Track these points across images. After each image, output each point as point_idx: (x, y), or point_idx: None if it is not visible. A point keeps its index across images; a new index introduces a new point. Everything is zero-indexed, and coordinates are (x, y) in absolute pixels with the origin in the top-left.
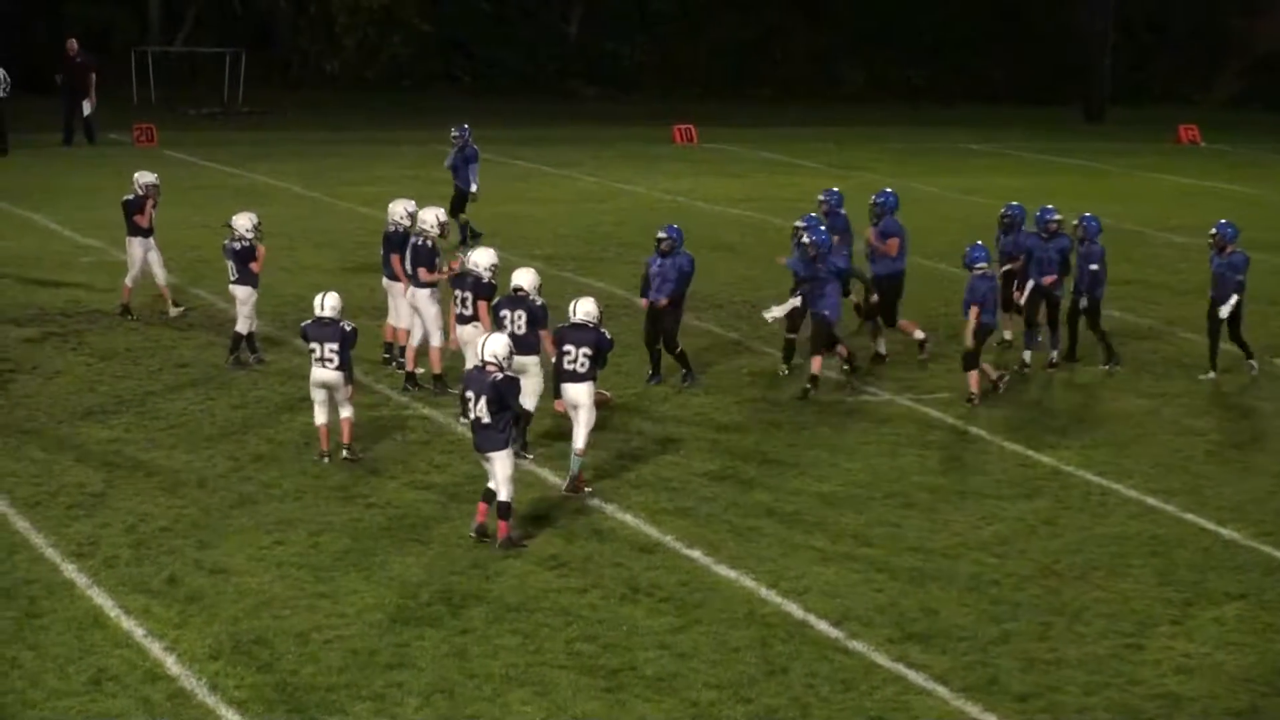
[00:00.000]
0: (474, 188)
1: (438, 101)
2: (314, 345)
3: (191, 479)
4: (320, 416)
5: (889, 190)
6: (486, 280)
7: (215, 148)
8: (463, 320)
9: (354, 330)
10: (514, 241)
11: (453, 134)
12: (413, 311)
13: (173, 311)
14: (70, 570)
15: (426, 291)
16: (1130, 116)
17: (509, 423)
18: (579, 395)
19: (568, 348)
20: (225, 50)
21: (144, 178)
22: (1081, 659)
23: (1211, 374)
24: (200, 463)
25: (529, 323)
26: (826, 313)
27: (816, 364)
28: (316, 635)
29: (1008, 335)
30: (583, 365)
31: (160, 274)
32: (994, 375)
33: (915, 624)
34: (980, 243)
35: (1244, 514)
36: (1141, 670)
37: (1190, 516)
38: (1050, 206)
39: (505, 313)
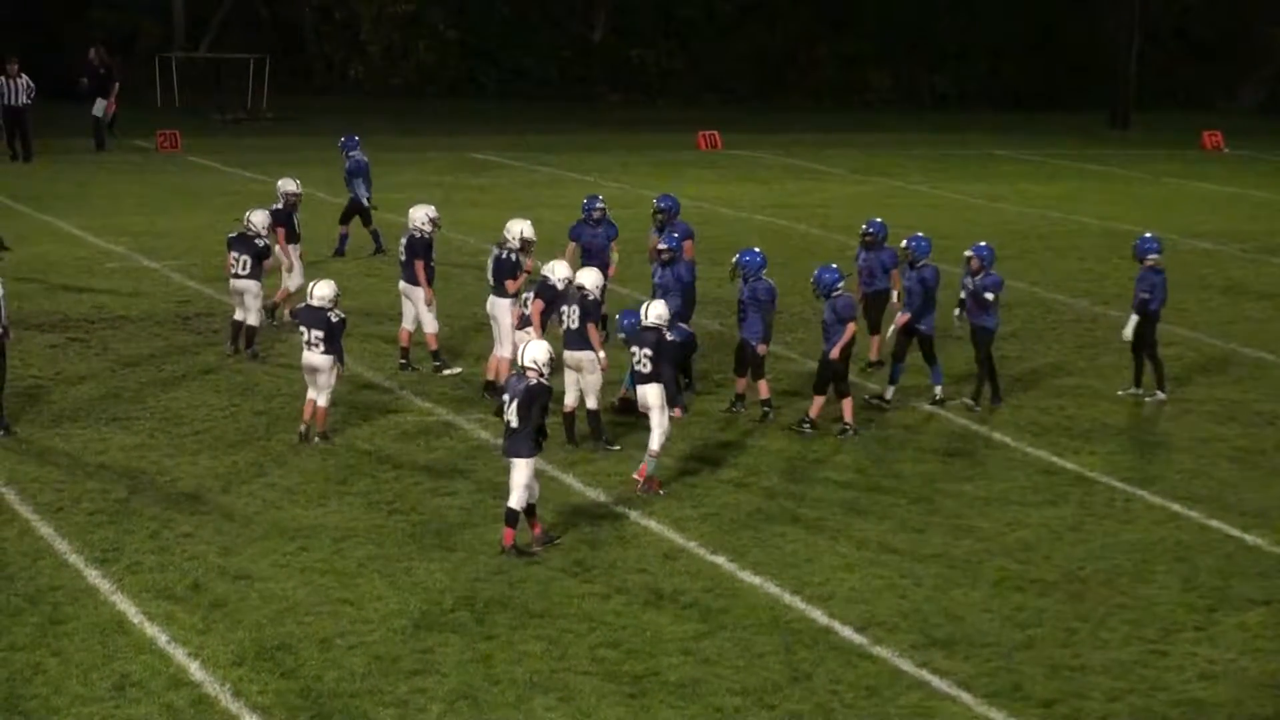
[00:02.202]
0: (366, 200)
1: (463, 107)
2: (303, 329)
3: (215, 485)
4: (312, 394)
5: (670, 195)
6: (550, 284)
7: (239, 153)
8: (524, 322)
9: (340, 321)
10: (540, 249)
11: (341, 143)
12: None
13: (287, 317)
14: (93, 576)
15: (507, 302)
16: (1155, 123)
17: (535, 431)
18: (646, 396)
19: (633, 349)
20: (250, 56)
21: (287, 185)
22: (1106, 665)
23: (1135, 390)
24: (224, 468)
25: (581, 317)
26: (750, 339)
27: (762, 389)
28: (340, 641)
29: (872, 357)
30: (645, 366)
31: (295, 278)
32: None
33: (939, 630)
34: (834, 265)
35: (1268, 520)
36: (1166, 676)
37: (1214, 523)
38: (919, 234)
39: (564, 308)
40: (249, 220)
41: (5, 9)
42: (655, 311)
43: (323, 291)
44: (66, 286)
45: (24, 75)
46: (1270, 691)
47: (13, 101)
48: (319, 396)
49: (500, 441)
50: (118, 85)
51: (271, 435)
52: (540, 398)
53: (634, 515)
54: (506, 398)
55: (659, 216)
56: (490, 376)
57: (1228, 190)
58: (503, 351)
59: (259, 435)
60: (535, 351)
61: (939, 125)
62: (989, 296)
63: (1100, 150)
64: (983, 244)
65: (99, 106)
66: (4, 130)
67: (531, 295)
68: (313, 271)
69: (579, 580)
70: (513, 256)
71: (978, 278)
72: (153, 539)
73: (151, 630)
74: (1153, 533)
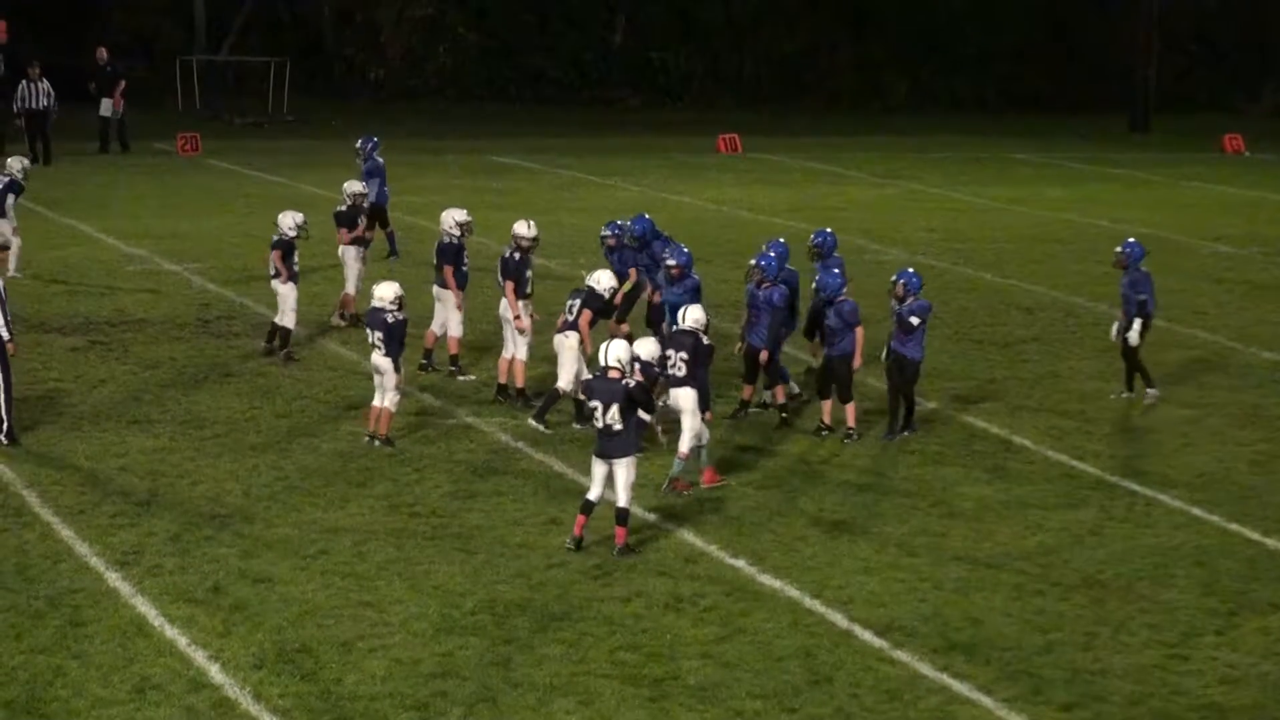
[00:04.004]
0: (369, 199)
1: (483, 110)
2: (368, 330)
3: (236, 488)
4: (376, 399)
5: (644, 216)
6: (599, 293)
7: (259, 156)
8: (565, 326)
9: (396, 322)
10: (559, 250)
11: (358, 145)
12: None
13: (335, 319)
14: (114, 579)
15: (520, 304)
16: (1175, 126)
17: (637, 429)
18: (679, 399)
19: (669, 352)
20: (270, 59)
21: (352, 187)
22: (1126, 669)
23: (1127, 394)
24: (245, 471)
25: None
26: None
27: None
28: (360, 644)
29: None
30: (680, 369)
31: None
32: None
33: (959, 634)
34: (837, 270)
35: None
36: (1186, 680)
37: (1235, 527)
38: (772, 254)
39: (571, 303)
40: (278, 222)
41: (26, 13)
42: (693, 316)
43: (381, 292)
44: (87, 289)
45: (45, 79)
46: None
47: (34, 105)
48: (385, 399)
49: (597, 443)
50: (124, 84)
51: (292, 438)
52: (645, 397)
53: (654, 519)
54: (599, 403)
55: (633, 241)
56: (503, 379)
57: (1248, 194)
58: (519, 354)
59: (280, 438)
60: (618, 350)
61: (958, 128)
62: (914, 321)
63: (1120, 154)
64: (910, 270)
65: (105, 106)
66: (25, 133)
67: (577, 302)
68: (331, 274)
69: (599, 583)
70: (516, 256)
71: (904, 304)
72: (173, 542)
73: (172, 633)
74: (1173, 537)
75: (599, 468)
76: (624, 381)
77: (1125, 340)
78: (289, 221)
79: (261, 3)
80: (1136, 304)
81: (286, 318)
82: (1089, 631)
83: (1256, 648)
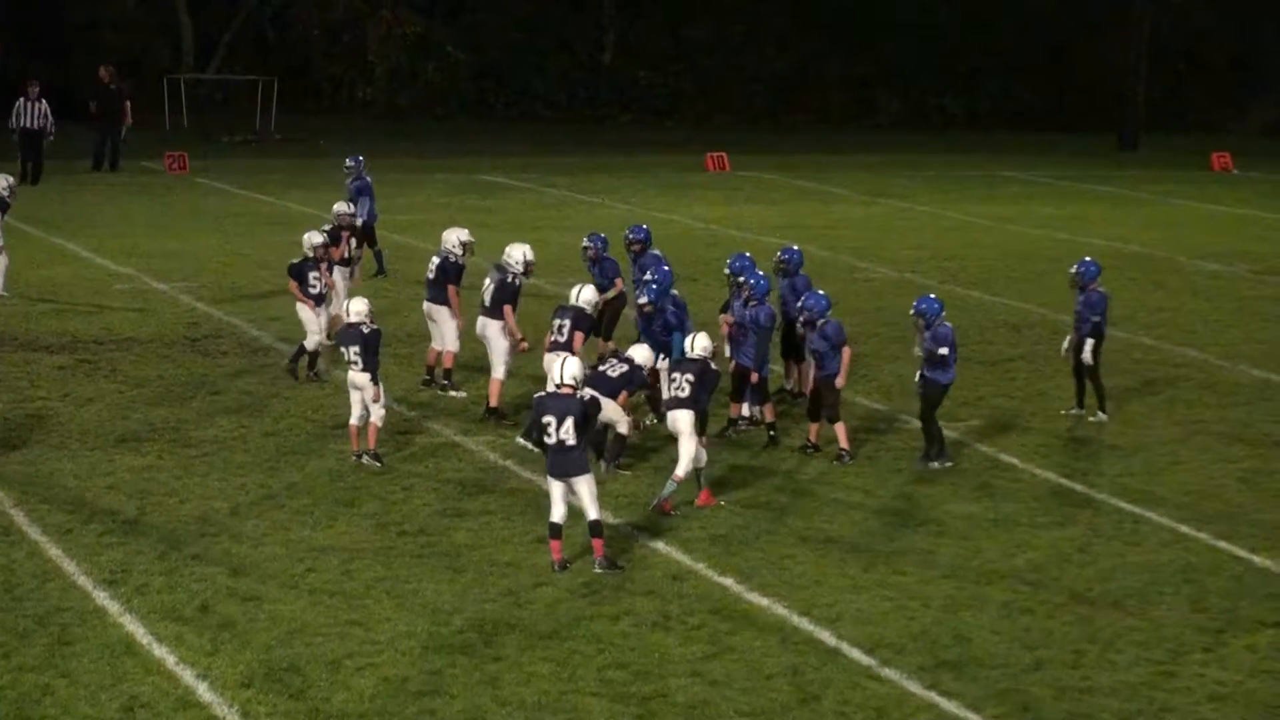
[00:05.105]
0: (359, 219)
1: (471, 128)
2: (343, 349)
3: (224, 506)
4: (354, 417)
5: (642, 226)
6: (589, 314)
7: (247, 175)
8: (555, 347)
9: (373, 333)
10: (547, 270)
11: (346, 164)
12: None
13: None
14: (102, 598)
15: (499, 324)
16: (1164, 144)
17: (587, 444)
18: (678, 421)
19: (674, 375)
20: (258, 78)
21: (339, 207)
22: (1114, 687)
23: (1076, 410)
24: (232, 490)
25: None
26: (745, 361)
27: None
28: (349, 663)
29: (789, 385)
30: (683, 390)
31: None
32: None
33: (948, 651)
34: (821, 291)
35: (1277, 542)
36: (1174, 698)
37: (1223, 544)
38: (760, 272)
39: (559, 322)
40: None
41: (18, 32)
42: (701, 344)
43: (357, 307)
44: (75, 308)
45: (43, 100)
46: (1278, 714)
47: (29, 124)
48: (371, 412)
49: (550, 461)
50: (129, 104)
51: (280, 457)
52: (597, 412)
53: (642, 537)
54: (553, 419)
55: (634, 247)
56: (494, 402)
57: (1236, 212)
58: (497, 374)
59: (268, 457)
60: (575, 368)
61: (947, 146)
62: (943, 352)
63: (1109, 172)
64: (932, 296)
65: (123, 133)
66: (18, 151)
67: (567, 323)
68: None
69: (587, 601)
70: (516, 281)
71: (927, 333)
72: (161, 560)
73: (160, 651)
74: (1161, 554)
75: (556, 486)
76: (579, 397)
77: (1078, 359)
78: (307, 240)
79: (249, 22)
80: (1090, 324)
81: (309, 340)
82: (1077, 649)
83: (1244, 665)
